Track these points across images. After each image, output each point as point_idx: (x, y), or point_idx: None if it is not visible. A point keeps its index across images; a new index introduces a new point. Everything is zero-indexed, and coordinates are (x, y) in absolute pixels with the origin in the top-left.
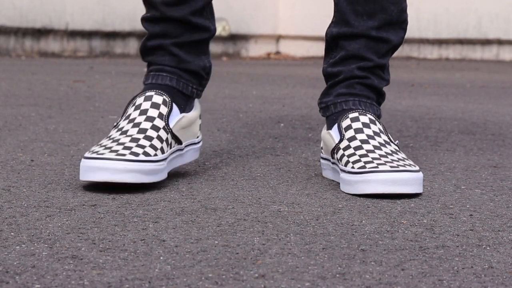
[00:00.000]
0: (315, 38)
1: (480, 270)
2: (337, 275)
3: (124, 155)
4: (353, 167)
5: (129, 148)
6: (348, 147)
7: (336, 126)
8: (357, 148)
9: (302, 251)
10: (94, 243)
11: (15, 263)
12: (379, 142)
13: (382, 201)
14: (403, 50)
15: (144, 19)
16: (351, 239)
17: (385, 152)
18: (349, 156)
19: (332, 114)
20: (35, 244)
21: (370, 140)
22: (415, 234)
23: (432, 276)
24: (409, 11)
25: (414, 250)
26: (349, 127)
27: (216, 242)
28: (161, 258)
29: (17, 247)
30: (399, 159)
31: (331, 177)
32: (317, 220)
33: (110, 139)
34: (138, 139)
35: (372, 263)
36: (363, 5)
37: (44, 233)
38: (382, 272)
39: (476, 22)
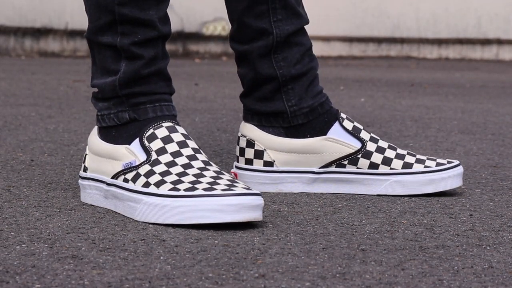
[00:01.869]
0: (315, 38)
1: (480, 270)
2: (337, 275)
3: (252, 190)
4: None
5: (236, 182)
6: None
7: (341, 129)
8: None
9: (302, 251)
10: (94, 243)
11: (15, 263)
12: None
13: (382, 201)
14: (402, 50)
15: (133, 44)
16: (351, 239)
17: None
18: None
19: (320, 116)
20: (35, 244)
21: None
22: (415, 234)
23: (432, 276)
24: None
25: (414, 250)
26: (360, 130)
27: (216, 242)
28: (161, 258)
29: (17, 247)
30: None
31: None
32: (317, 220)
33: (181, 174)
34: (222, 173)
35: (372, 263)
36: None
37: (44, 233)
38: (382, 272)
39: (475, 22)
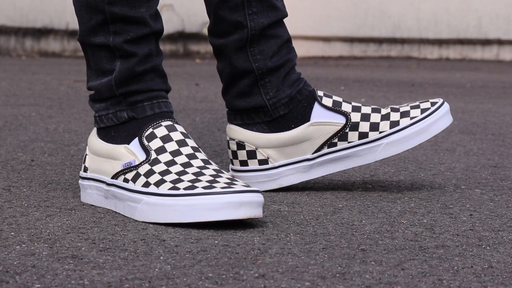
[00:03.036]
0: (315, 38)
1: (480, 270)
2: (337, 275)
3: (251, 187)
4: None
5: (235, 180)
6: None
7: (322, 109)
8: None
9: (302, 251)
10: (94, 243)
11: (15, 263)
12: None
13: (382, 201)
14: (403, 50)
15: (126, 41)
16: (351, 239)
17: None
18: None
19: (300, 103)
20: (35, 243)
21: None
22: (415, 234)
23: (432, 276)
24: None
25: (414, 250)
26: (340, 103)
27: (216, 242)
28: (161, 258)
29: (17, 246)
30: None
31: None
32: (317, 220)
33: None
34: (222, 171)
35: (372, 263)
36: None
37: (44, 232)
38: (382, 272)
39: (476, 22)
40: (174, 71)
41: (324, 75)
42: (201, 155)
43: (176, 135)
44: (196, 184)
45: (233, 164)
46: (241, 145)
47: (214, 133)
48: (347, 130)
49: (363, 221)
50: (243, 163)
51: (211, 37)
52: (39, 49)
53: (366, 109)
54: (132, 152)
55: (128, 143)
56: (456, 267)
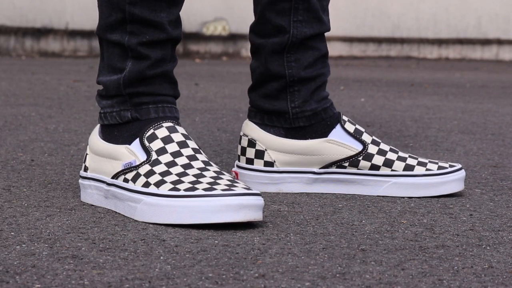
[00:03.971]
0: None
1: (480, 270)
2: (337, 275)
3: (252, 190)
4: (427, 170)
5: (235, 182)
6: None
7: (343, 132)
8: (385, 153)
9: (302, 251)
10: (94, 243)
11: (15, 263)
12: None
13: (382, 201)
14: (402, 50)
15: (141, 44)
16: (351, 239)
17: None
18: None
19: (323, 120)
20: (35, 243)
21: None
22: (415, 234)
23: (432, 276)
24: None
25: (414, 250)
26: (361, 132)
27: (216, 242)
28: (161, 258)
29: (17, 246)
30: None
31: (324, 190)
32: (317, 220)
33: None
34: (222, 173)
35: (372, 263)
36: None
37: (44, 232)
38: (382, 272)
39: (475, 22)
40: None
41: None
42: (202, 157)
43: (177, 136)
44: (196, 186)
45: (239, 161)
46: (252, 143)
47: (213, 133)
48: (360, 158)
49: (363, 221)
50: (249, 161)
51: (252, 35)
52: (38, 49)
53: (384, 146)
54: (132, 152)
55: (129, 144)
56: (456, 267)
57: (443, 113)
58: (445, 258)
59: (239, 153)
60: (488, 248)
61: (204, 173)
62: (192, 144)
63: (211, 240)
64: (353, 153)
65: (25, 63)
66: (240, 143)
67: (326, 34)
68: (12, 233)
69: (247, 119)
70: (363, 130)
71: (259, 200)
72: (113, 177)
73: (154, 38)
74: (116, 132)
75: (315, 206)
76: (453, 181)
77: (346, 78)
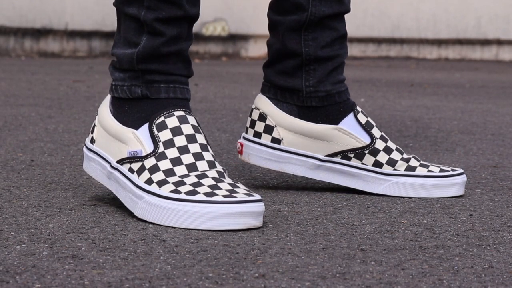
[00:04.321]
0: None
1: (480, 270)
2: (337, 275)
3: (253, 195)
4: (430, 171)
5: (237, 186)
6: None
7: (355, 122)
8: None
9: (302, 251)
10: (94, 243)
11: (15, 263)
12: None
13: (382, 201)
14: (402, 50)
15: (157, 20)
16: (351, 239)
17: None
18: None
19: (336, 104)
20: (36, 243)
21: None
22: (415, 234)
23: (432, 276)
24: (408, 11)
25: (414, 250)
26: (372, 126)
27: (216, 242)
28: (161, 257)
29: (18, 246)
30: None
31: (326, 180)
32: (317, 220)
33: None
34: (225, 175)
35: (372, 263)
36: None
37: (44, 232)
38: (382, 272)
39: (475, 22)
40: None
41: None
42: (208, 155)
43: (187, 129)
44: (197, 189)
45: (246, 133)
46: (263, 117)
47: (213, 133)
48: (366, 152)
49: (363, 221)
50: (257, 134)
51: (270, 12)
52: (38, 49)
53: (391, 145)
54: (139, 140)
55: (137, 128)
56: (456, 267)
57: (443, 113)
58: (445, 258)
59: (248, 125)
60: (488, 248)
61: (207, 173)
62: (200, 138)
63: (211, 240)
64: (360, 145)
65: (24, 63)
66: (250, 116)
67: None
68: (12, 233)
69: (260, 93)
70: (374, 124)
71: (260, 207)
72: (118, 161)
73: (171, 14)
74: (127, 108)
75: (315, 206)
76: (453, 185)
77: (346, 78)
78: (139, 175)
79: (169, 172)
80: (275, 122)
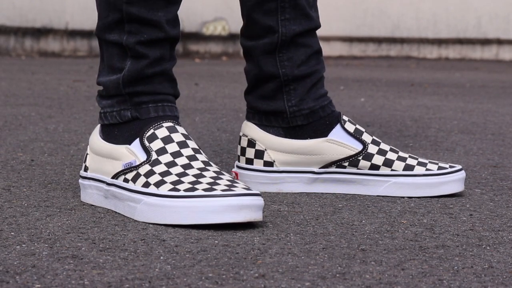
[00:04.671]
0: None
1: (480, 270)
2: (337, 275)
3: (252, 190)
4: (428, 170)
5: (235, 182)
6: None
7: (343, 132)
8: (385, 153)
9: (302, 251)
10: (94, 243)
11: (15, 263)
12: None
13: (382, 201)
14: (402, 50)
15: (139, 43)
16: (351, 239)
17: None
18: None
19: (321, 119)
20: (35, 243)
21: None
22: (415, 234)
23: (432, 276)
24: (408, 11)
25: (414, 250)
26: (361, 132)
27: (216, 242)
28: (161, 258)
29: (18, 246)
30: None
31: (321, 190)
32: (317, 220)
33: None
34: (222, 173)
35: (372, 263)
36: None
37: (44, 232)
38: (382, 272)
39: (475, 22)
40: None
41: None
42: (202, 157)
43: (177, 137)
44: (196, 186)
45: (239, 161)
46: (252, 143)
47: (213, 133)
48: (360, 158)
49: (363, 221)
50: (249, 161)
51: (242, 39)
52: (38, 49)
53: (384, 146)
54: (133, 152)
55: (130, 144)
56: (456, 267)
57: (443, 113)
58: (445, 258)
59: (238, 153)
60: (488, 248)
61: (204, 173)
62: (192, 144)
63: (211, 240)
64: (353, 152)
65: (25, 63)
66: (239, 144)
67: (326, 34)
68: (12, 233)
69: (246, 120)
70: (363, 130)
71: (259, 200)
72: (113, 177)
73: (152, 37)
74: (117, 132)
75: (315, 206)
76: (453, 182)
77: (346, 78)
78: (134, 182)
79: (166, 173)
80: (265, 145)
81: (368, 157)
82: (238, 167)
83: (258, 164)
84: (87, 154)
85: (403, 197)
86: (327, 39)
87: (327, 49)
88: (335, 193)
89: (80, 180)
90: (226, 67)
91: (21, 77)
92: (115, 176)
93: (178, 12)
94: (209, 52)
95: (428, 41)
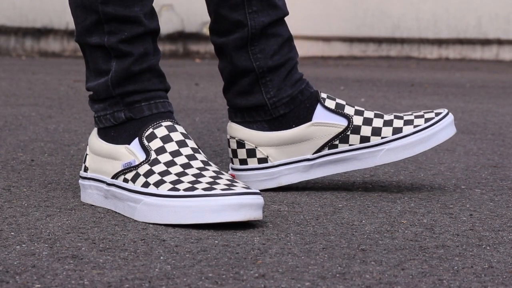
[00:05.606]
0: (315, 38)
1: (480, 270)
2: (337, 275)
3: (251, 189)
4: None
5: (235, 181)
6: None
7: (325, 110)
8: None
9: (302, 251)
10: (94, 243)
11: (15, 263)
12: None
13: (382, 201)
14: (402, 50)
15: (121, 41)
16: (351, 239)
17: None
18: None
19: (302, 103)
20: (35, 243)
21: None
22: (415, 234)
23: (432, 276)
24: (409, 11)
25: (414, 250)
26: (343, 106)
27: (216, 242)
28: (161, 258)
29: (18, 246)
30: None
31: (296, 179)
32: (317, 220)
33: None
34: (222, 173)
35: (372, 263)
36: None
37: (44, 232)
38: (382, 272)
39: (476, 22)
40: (174, 71)
41: (323, 75)
42: (201, 156)
43: (176, 136)
44: (196, 186)
45: (233, 163)
46: (241, 144)
47: (214, 133)
48: (348, 133)
49: (363, 221)
50: (243, 161)
51: (212, 36)
52: (39, 49)
53: (368, 114)
54: (132, 152)
55: (129, 143)
56: (456, 267)
57: None
58: (445, 258)
59: (230, 156)
60: (488, 248)
61: (203, 172)
62: (191, 143)
63: (211, 240)
64: (340, 130)
65: (25, 63)
66: (229, 147)
67: (326, 34)
68: (12, 233)
69: (229, 121)
70: (344, 103)
71: (259, 199)
72: (113, 177)
73: (133, 33)
74: (113, 133)
75: (315, 206)
76: (443, 129)
77: (346, 78)
78: (134, 182)
79: (165, 173)
80: (254, 143)
81: (356, 130)
82: (234, 169)
83: (252, 162)
84: (86, 154)
85: (403, 197)
86: (327, 39)
87: (327, 49)
88: (335, 194)
89: (80, 181)
90: None
91: (21, 77)
92: (115, 176)
93: (179, 12)
94: (209, 52)
95: (428, 41)
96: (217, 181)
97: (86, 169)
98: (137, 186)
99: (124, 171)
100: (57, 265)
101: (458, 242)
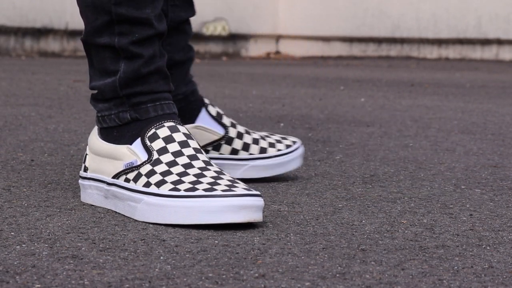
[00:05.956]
0: (315, 38)
1: (480, 270)
2: (337, 275)
3: (252, 190)
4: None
5: (236, 183)
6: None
7: (208, 116)
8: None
9: (302, 251)
10: (94, 243)
11: (15, 263)
12: None
13: (382, 201)
14: (402, 50)
15: (132, 43)
16: (351, 239)
17: None
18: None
19: (190, 103)
20: (36, 243)
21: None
22: (415, 234)
23: (432, 276)
24: (409, 11)
25: (414, 250)
26: (221, 115)
27: (216, 242)
28: (161, 257)
29: (18, 246)
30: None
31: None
32: (317, 220)
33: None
34: (223, 173)
35: (372, 263)
36: None
37: (44, 232)
38: (382, 272)
39: (476, 22)
40: None
41: (323, 75)
42: (203, 157)
43: (179, 136)
44: (197, 186)
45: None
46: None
47: None
48: (222, 142)
49: (363, 221)
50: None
51: None
52: (38, 49)
53: (240, 128)
54: (134, 152)
55: (131, 144)
56: (456, 267)
57: (443, 113)
58: (445, 258)
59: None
60: (488, 248)
61: (204, 172)
62: (193, 143)
63: (211, 240)
64: (216, 137)
65: (25, 63)
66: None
67: (326, 34)
68: (12, 233)
69: None
70: (222, 112)
71: (259, 201)
72: (114, 177)
73: (144, 35)
74: (116, 133)
75: (315, 206)
76: (297, 158)
77: (346, 78)
78: (136, 181)
79: (167, 173)
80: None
81: (229, 141)
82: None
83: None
84: (86, 154)
85: (403, 197)
86: (327, 39)
87: (327, 49)
88: (335, 194)
89: (80, 181)
90: (226, 67)
91: (21, 77)
92: (116, 176)
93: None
94: (209, 52)
95: (428, 41)
96: (218, 181)
97: (86, 169)
98: (139, 185)
99: (125, 171)
100: (57, 265)
101: (458, 242)
